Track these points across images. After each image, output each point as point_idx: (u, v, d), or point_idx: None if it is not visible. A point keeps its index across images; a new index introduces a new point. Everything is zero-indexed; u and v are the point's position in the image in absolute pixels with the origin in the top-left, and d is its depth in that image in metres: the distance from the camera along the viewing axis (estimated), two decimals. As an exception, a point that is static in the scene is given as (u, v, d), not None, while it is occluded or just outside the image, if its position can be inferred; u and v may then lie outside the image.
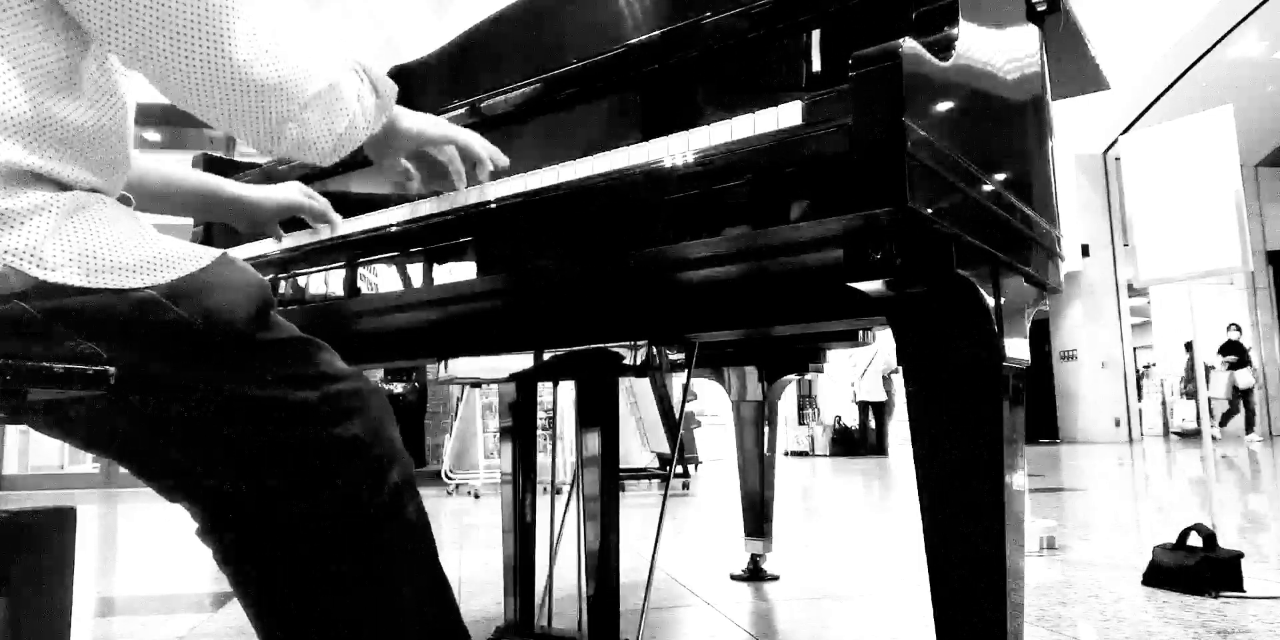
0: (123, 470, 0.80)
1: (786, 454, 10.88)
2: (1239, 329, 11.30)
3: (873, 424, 10.79)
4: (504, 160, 1.08)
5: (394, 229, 1.13)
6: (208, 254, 0.75)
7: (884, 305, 0.87)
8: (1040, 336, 12.46)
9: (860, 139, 0.72)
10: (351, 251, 1.19)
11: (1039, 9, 1.11)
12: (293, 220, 1.27)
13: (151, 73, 0.71)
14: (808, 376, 2.45)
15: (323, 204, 1.25)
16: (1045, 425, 12.45)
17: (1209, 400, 2.60)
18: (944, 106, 0.80)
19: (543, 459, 2.10)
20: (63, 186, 0.70)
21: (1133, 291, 12.95)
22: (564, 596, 2.03)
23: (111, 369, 0.66)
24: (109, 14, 0.66)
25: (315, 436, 0.77)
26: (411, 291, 1.12)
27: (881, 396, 10.65)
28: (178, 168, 1.15)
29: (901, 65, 0.72)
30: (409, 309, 1.19)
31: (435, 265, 1.09)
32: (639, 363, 1.16)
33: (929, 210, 0.74)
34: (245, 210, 1.19)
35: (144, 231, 0.73)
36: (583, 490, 1.30)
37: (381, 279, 1.16)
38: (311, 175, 1.64)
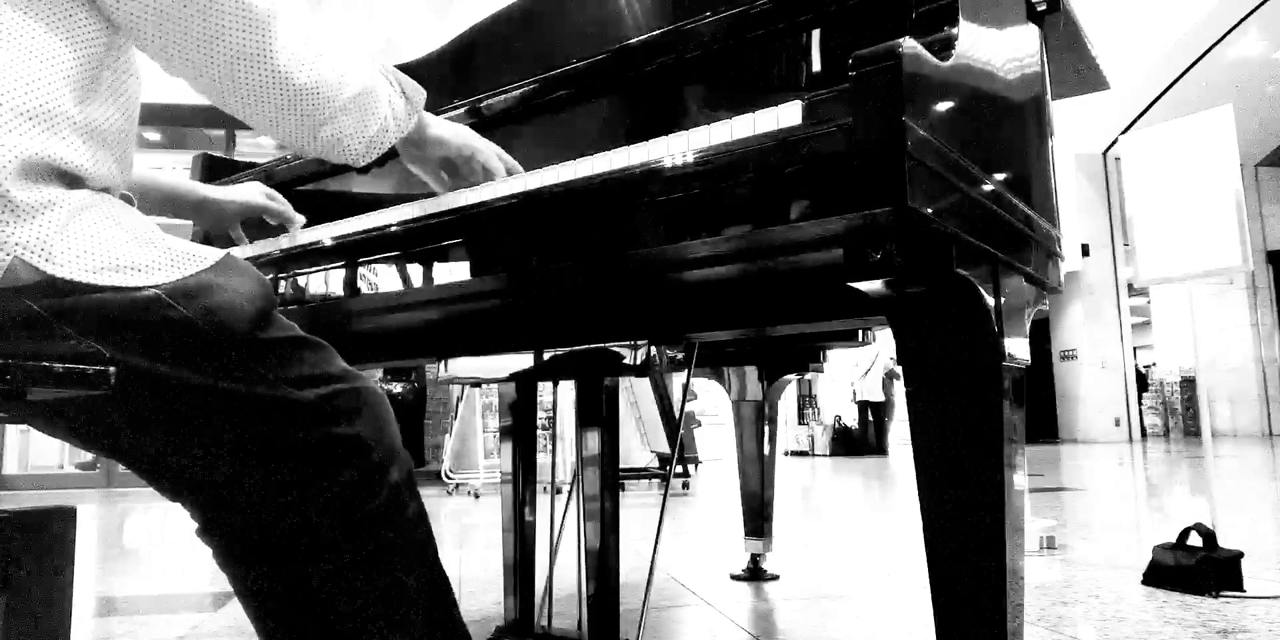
0: (123, 470, 0.80)
1: (786, 454, 10.89)
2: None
3: (873, 424, 10.79)
4: (520, 171, 1.12)
5: (395, 229, 1.13)
6: (211, 254, 0.75)
7: (884, 305, 0.87)
8: (1040, 336, 12.46)
9: (860, 139, 0.72)
10: (352, 251, 1.19)
11: (1039, 9, 1.11)
12: (261, 224, 1.32)
13: (195, 80, 0.75)
14: (808, 376, 2.45)
15: (282, 205, 1.30)
16: (1045, 425, 12.45)
17: (1209, 402, 2.60)
18: (944, 106, 0.80)
19: (543, 459, 2.10)
20: (75, 182, 0.70)
21: (1133, 291, 12.95)
22: (564, 596, 2.03)
23: (112, 369, 0.66)
24: (158, 29, 0.71)
25: (316, 436, 0.77)
26: (411, 291, 1.12)
27: (880, 396, 10.65)
28: (148, 170, 1.19)
29: (901, 65, 0.72)
30: (409, 309, 1.19)
31: (436, 265, 1.09)
32: (639, 363, 1.16)
33: (929, 210, 0.74)
34: (210, 210, 1.25)
35: (149, 231, 0.73)
36: (583, 490, 1.30)
37: (382, 279, 1.16)
38: (310, 176, 1.64)
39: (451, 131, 1.06)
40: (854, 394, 10.95)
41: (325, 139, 0.82)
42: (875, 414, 10.78)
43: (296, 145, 0.83)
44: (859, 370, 10.75)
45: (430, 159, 1.07)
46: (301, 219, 1.32)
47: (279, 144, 0.87)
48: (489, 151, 1.10)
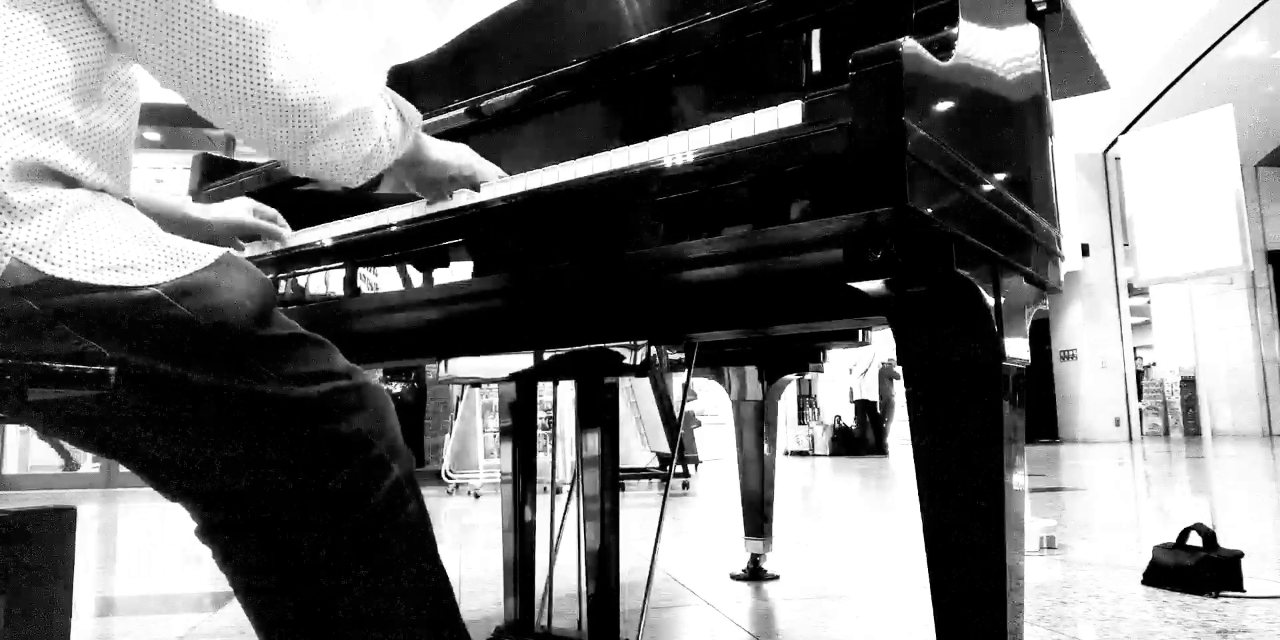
0: (123, 470, 0.80)
1: (786, 454, 10.88)
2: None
3: (869, 423, 10.78)
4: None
5: (395, 229, 1.13)
6: (211, 252, 0.75)
7: (884, 305, 0.87)
8: (1040, 336, 12.46)
9: (860, 138, 0.72)
10: (351, 252, 1.19)
11: (1039, 9, 1.11)
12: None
13: (186, 91, 0.74)
14: (807, 376, 2.45)
15: (268, 222, 1.32)
16: (1045, 425, 12.45)
17: (1209, 402, 2.60)
18: (944, 106, 0.80)
19: (543, 459, 2.10)
20: (73, 184, 0.70)
21: (1133, 291, 12.95)
22: (564, 596, 2.03)
23: (112, 369, 0.66)
24: (148, 34, 0.70)
25: (317, 433, 0.77)
26: (412, 291, 1.12)
27: (874, 396, 10.66)
28: (141, 188, 1.20)
29: (902, 65, 0.72)
30: (409, 309, 1.19)
31: (436, 265, 1.09)
32: (639, 363, 1.16)
33: (929, 210, 0.74)
34: (199, 230, 1.26)
35: (149, 230, 0.73)
36: (583, 490, 1.30)
37: (382, 279, 1.16)
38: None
39: (453, 153, 1.06)
40: (850, 393, 10.96)
41: (317, 157, 0.81)
42: (872, 413, 10.77)
43: (288, 162, 0.82)
44: (856, 370, 10.75)
45: (433, 180, 1.06)
46: (289, 233, 1.34)
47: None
48: (490, 173, 1.10)
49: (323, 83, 0.77)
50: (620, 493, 1.40)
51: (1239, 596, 2.05)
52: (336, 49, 0.79)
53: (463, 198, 1.08)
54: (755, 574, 2.44)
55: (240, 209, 1.30)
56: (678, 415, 5.75)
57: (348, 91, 0.80)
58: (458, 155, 1.06)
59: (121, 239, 0.70)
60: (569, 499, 1.62)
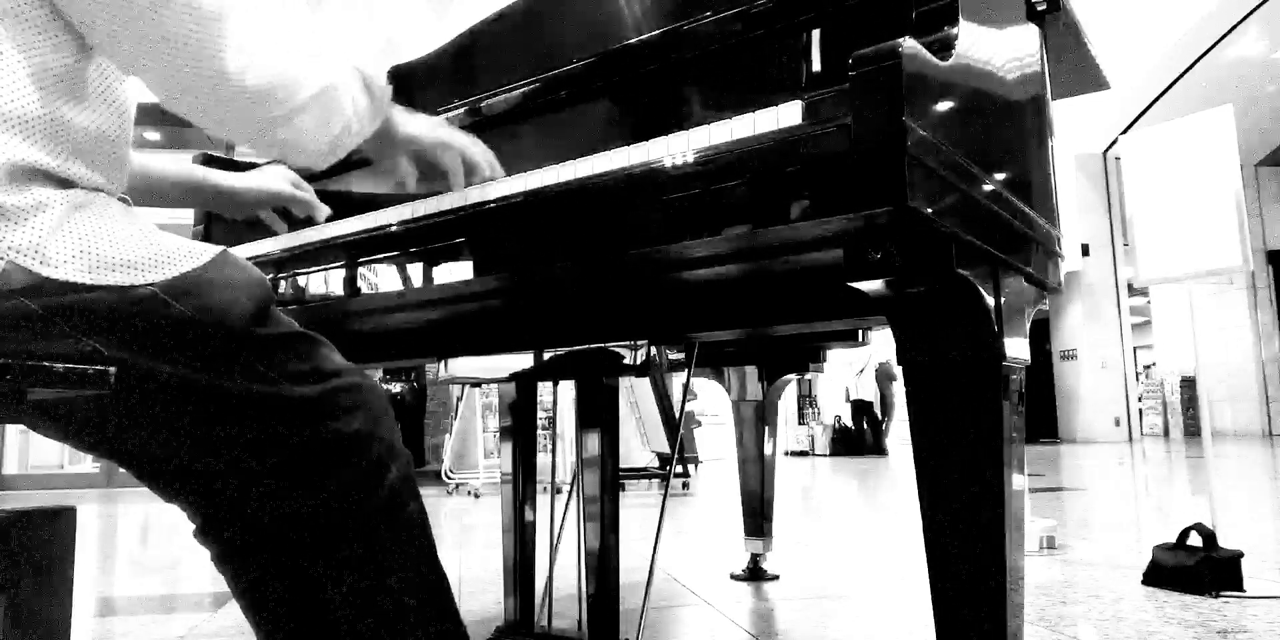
0: (123, 470, 0.80)
1: (786, 454, 10.88)
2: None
3: (866, 424, 10.78)
4: (500, 171, 1.07)
5: (394, 228, 1.13)
6: (208, 251, 0.75)
7: (884, 305, 0.87)
8: (1040, 336, 12.46)
9: (860, 139, 0.72)
10: (351, 251, 1.19)
11: (1039, 8, 1.11)
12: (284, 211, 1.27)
13: (147, 79, 0.72)
14: (808, 376, 2.45)
15: (308, 194, 1.24)
16: (1045, 425, 12.44)
17: (1209, 402, 2.60)
18: (944, 106, 0.80)
19: (543, 459, 2.10)
20: (66, 184, 0.70)
21: (1133, 291, 12.95)
22: (564, 596, 2.02)
23: (112, 369, 0.66)
24: (107, 24, 0.68)
25: (315, 433, 0.77)
26: (412, 291, 1.12)
27: (872, 396, 10.65)
28: (162, 159, 1.15)
29: (901, 65, 0.72)
30: (409, 309, 1.19)
31: (435, 265, 1.09)
32: (639, 363, 1.16)
33: (929, 210, 0.73)
34: (231, 199, 1.20)
35: (145, 229, 0.73)
36: (583, 490, 1.30)
37: (381, 278, 1.16)
38: (309, 176, 1.64)
39: (426, 127, 1.00)
40: (847, 393, 10.95)
41: (282, 141, 0.78)
42: (869, 414, 10.77)
43: (252, 146, 0.79)
44: (853, 369, 10.75)
45: (397, 156, 1.00)
46: (327, 210, 1.25)
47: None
48: (469, 143, 1.04)
49: (284, 66, 0.75)
50: (620, 493, 1.40)
51: (1239, 596, 2.05)
52: (298, 30, 0.77)
53: (462, 197, 1.08)
54: (755, 574, 2.44)
55: (278, 177, 1.23)
56: (678, 415, 5.75)
57: (311, 73, 0.77)
58: (431, 129, 1.00)
59: (117, 238, 0.70)
60: (569, 499, 1.62)
